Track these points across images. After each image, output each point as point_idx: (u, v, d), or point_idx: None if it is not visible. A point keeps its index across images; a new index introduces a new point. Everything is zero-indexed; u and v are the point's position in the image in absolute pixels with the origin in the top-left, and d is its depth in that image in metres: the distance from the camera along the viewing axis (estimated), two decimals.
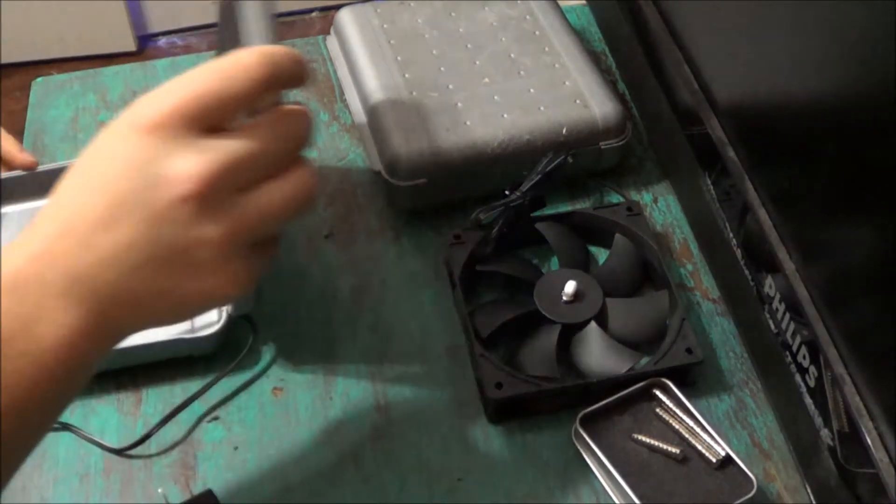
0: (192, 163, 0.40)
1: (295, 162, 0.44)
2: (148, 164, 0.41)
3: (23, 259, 0.41)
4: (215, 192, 0.41)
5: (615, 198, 0.73)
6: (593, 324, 0.62)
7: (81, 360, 0.42)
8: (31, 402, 0.41)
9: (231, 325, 0.62)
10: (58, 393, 0.43)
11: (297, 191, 0.44)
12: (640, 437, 0.58)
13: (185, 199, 0.40)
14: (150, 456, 0.59)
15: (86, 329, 0.41)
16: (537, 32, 0.77)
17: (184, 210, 0.40)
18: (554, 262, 0.67)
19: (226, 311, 0.62)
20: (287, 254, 0.69)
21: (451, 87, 0.72)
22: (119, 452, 0.59)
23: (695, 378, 0.62)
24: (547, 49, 0.76)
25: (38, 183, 0.70)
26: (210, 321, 0.63)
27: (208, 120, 0.42)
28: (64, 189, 0.43)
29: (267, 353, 0.64)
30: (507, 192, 0.66)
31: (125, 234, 0.41)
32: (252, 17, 0.50)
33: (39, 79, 0.84)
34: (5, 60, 1.74)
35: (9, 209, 0.71)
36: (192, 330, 0.63)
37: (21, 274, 0.41)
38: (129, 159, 0.41)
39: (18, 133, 0.80)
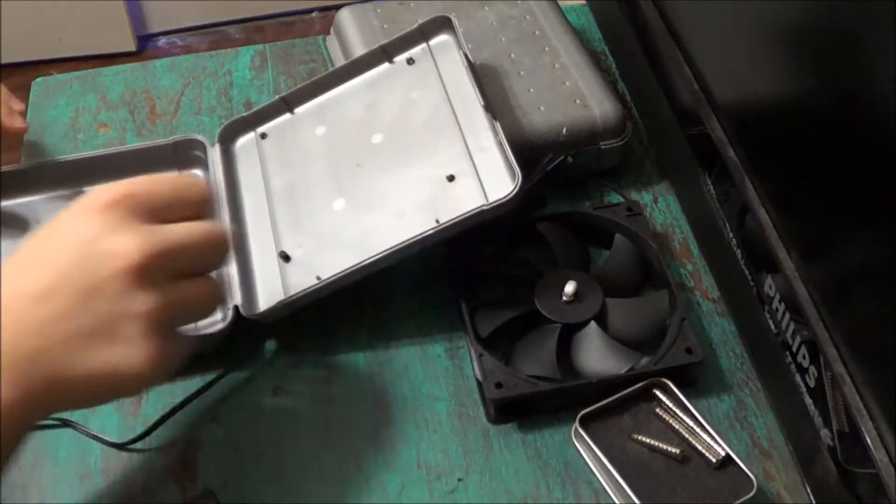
0: (133, 241, 0.46)
1: (208, 274, 0.52)
2: (95, 239, 0.46)
3: None
4: (150, 269, 0.46)
5: (615, 198, 0.73)
6: (593, 324, 0.62)
7: (7, 433, 0.45)
8: None
9: (236, 323, 0.62)
10: None
11: (210, 292, 0.52)
12: (640, 437, 0.58)
13: (123, 271, 0.46)
14: (150, 456, 0.59)
15: (12, 405, 0.44)
16: (537, 32, 0.77)
17: (120, 281, 0.46)
18: (554, 263, 0.67)
19: (231, 309, 0.62)
20: None
21: None
22: (119, 447, 0.59)
23: (695, 378, 0.62)
24: (547, 49, 0.76)
25: (35, 177, 0.70)
26: (214, 319, 0.63)
27: (153, 213, 0.48)
28: (13, 264, 0.47)
29: (267, 353, 0.64)
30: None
31: (59, 306, 0.45)
32: None
33: (39, 79, 0.84)
34: (5, 60, 1.74)
35: (7, 203, 0.71)
36: (197, 329, 0.63)
37: None
38: (78, 235, 0.46)
39: None
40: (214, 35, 1.88)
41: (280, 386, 0.63)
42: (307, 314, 0.63)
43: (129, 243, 0.46)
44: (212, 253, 0.52)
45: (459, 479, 0.58)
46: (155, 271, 0.47)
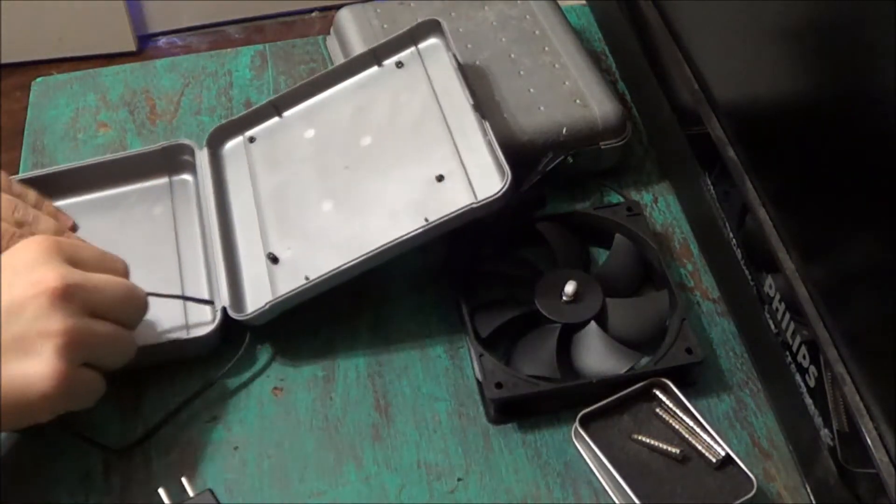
0: (57, 270, 0.53)
1: (126, 328, 0.57)
2: (25, 268, 0.53)
3: None
4: (68, 297, 0.52)
5: (615, 198, 0.73)
6: (593, 324, 0.62)
7: None
8: None
9: (225, 325, 0.62)
10: None
11: (122, 341, 0.56)
12: (640, 437, 0.58)
13: (44, 294, 0.52)
14: (150, 456, 0.59)
15: None
16: (537, 32, 0.77)
17: (41, 302, 0.52)
18: (554, 262, 0.67)
19: (219, 311, 0.62)
20: None
21: None
22: (119, 453, 0.59)
23: (695, 378, 0.62)
24: (547, 49, 0.76)
25: (43, 186, 0.69)
26: (204, 320, 0.63)
27: (78, 262, 0.55)
28: None
29: (266, 353, 0.64)
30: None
31: None
32: None
33: (39, 79, 0.84)
34: (5, 60, 1.74)
35: None
36: (188, 331, 0.63)
37: None
38: (13, 264, 0.53)
39: (18, 133, 0.80)
40: (214, 35, 1.88)
41: (280, 386, 0.63)
42: (307, 314, 0.63)
43: (53, 272, 0.53)
44: (128, 305, 0.57)
45: (459, 479, 0.58)
46: (73, 300, 0.52)
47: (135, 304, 0.58)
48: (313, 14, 1.88)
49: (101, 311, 0.55)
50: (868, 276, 0.49)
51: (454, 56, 0.68)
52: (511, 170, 0.60)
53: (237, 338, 0.63)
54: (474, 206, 0.59)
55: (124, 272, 0.59)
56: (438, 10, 0.79)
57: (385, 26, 0.78)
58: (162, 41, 1.87)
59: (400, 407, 0.62)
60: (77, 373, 0.53)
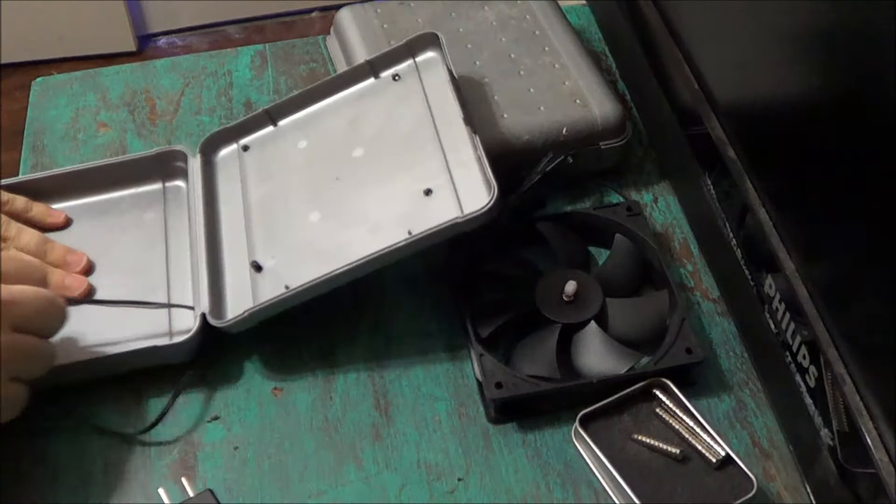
0: None
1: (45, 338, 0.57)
2: None
3: None
4: None
5: (615, 198, 0.73)
6: (593, 324, 0.62)
7: None
8: None
9: (206, 331, 0.62)
10: None
11: (42, 351, 0.56)
12: (640, 437, 0.58)
13: None
14: (150, 456, 0.59)
15: None
16: (537, 32, 0.77)
17: None
18: (554, 262, 0.67)
19: (198, 318, 0.62)
20: None
21: None
22: (129, 438, 0.59)
23: (695, 378, 0.62)
24: (547, 49, 0.76)
25: (35, 190, 0.69)
26: (187, 327, 0.63)
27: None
28: None
29: (266, 353, 0.64)
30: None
31: None
32: None
33: (39, 79, 0.84)
34: (5, 60, 1.74)
35: None
36: (170, 333, 0.63)
37: None
38: None
39: (18, 133, 0.80)
40: (214, 35, 1.88)
41: (280, 386, 0.63)
42: (307, 314, 0.63)
43: None
44: (47, 316, 0.57)
45: (459, 479, 0.58)
46: None
47: (54, 315, 0.57)
48: (313, 14, 1.88)
49: (22, 324, 0.54)
50: (868, 276, 0.49)
51: (449, 69, 0.68)
52: (498, 184, 0.59)
53: (233, 340, 0.63)
54: (459, 220, 0.59)
55: (43, 281, 0.59)
56: (438, 11, 0.79)
57: (385, 26, 0.78)
58: (162, 41, 1.87)
59: (400, 407, 0.62)
60: (3, 387, 0.53)
